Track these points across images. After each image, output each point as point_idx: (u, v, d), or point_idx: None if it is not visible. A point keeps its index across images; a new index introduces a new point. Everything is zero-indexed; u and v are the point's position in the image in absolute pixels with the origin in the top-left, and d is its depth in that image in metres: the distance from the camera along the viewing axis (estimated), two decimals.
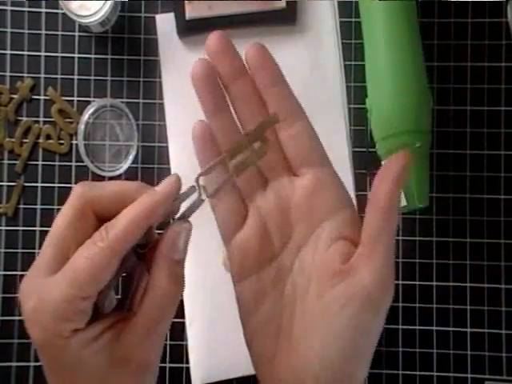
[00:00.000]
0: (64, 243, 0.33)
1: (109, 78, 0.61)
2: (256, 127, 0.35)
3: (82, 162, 0.60)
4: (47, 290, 0.32)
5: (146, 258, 0.34)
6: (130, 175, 0.60)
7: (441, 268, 0.60)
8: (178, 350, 0.59)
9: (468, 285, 0.60)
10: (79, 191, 0.34)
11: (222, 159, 0.35)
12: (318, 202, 0.35)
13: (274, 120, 0.35)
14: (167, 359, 0.59)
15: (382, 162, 0.57)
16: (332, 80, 0.61)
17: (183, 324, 0.59)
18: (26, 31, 0.61)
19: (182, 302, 0.59)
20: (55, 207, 0.60)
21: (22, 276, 0.60)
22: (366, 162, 0.60)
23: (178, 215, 0.35)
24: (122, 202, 0.33)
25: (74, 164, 0.60)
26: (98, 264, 0.32)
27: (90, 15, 0.56)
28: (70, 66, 0.61)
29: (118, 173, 0.60)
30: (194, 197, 0.35)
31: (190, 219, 0.35)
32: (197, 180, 0.34)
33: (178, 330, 0.59)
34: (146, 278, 0.35)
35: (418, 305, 0.60)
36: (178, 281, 0.34)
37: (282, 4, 0.59)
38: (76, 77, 0.61)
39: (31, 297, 0.32)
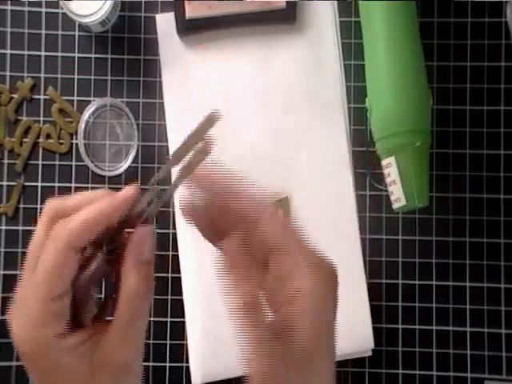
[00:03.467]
0: (37, 252, 0.35)
1: (109, 78, 0.61)
2: (196, 128, 0.36)
3: (82, 161, 0.60)
4: (26, 292, 0.35)
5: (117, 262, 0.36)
6: (129, 175, 0.60)
7: (440, 267, 0.60)
8: (178, 350, 0.59)
9: (467, 284, 0.60)
10: (47, 207, 0.36)
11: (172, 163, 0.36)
12: None
13: (214, 119, 0.36)
14: (167, 359, 0.59)
15: (382, 162, 0.57)
16: (332, 80, 0.61)
17: (183, 324, 0.59)
18: (26, 31, 0.61)
19: (182, 301, 0.59)
20: None
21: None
22: (365, 162, 0.60)
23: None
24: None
25: (74, 163, 0.60)
26: (58, 258, 0.34)
27: (90, 15, 0.56)
28: (70, 65, 0.61)
29: (117, 172, 0.60)
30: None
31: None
32: (153, 184, 0.36)
33: (178, 330, 0.59)
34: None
35: (417, 304, 0.60)
36: (147, 280, 0.36)
37: (282, 4, 0.59)
38: (76, 76, 0.61)
39: (15, 302, 0.36)
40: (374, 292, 0.59)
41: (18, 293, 0.36)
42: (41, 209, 0.60)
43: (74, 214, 0.35)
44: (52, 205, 0.36)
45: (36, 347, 0.34)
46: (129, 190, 0.35)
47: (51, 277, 0.34)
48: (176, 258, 0.59)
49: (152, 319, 0.59)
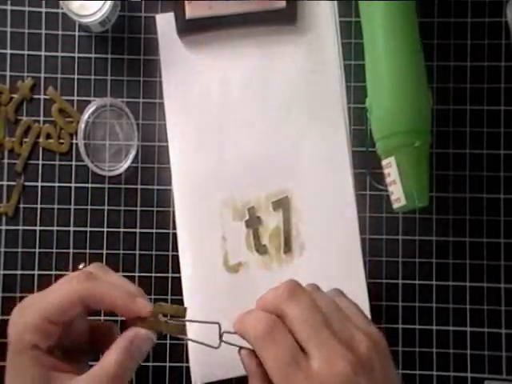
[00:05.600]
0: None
1: (109, 78, 0.61)
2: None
3: (82, 161, 0.60)
4: (35, 299, 0.41)
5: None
6: (129, 175, 0.60)
7: (440, 267, 0.60)
8: (177, 350, 0.59)
9: (468, 284, 0.60)
10: (85, 285, 0.42)
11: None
12: None
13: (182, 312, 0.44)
14: (167, 359, 0.59)
15: (382, 162, 0.57)
16: (332, 80, 0.61)
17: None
18: (26, 31, 0.61)
19: (182, 301, 0.59)
20: (55, 207, 0.60)
21: (22, 275, 0.60)
22: (365, 162, 0.60)
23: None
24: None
25: (74, 163, 0.60)
26: (73, 296, 0.41)
27: (90, 15, 0.56)
28: (70, 65, 0.61)
29: (117, 172, 0.60)
30: None
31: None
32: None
33: None
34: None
35: (417, 304, 0.60)
36: (124, 368, 0.41)
37: (282, 4, 0.59)
38: (76, 76, 0.61)
39: (23, 304, 0.42)
40: (373, 292, 0.59)
41: (31, 297, 0.42)
42: (41, 208, 0.60)
43: (101, 281, 0.42)
44: (87, 286, 0.41)
45: (16, 343, 0.40)
46: (144, 309, 0.42)
47: (54, 307, 0.40)
48: (176, 258, 0.60)
49: None
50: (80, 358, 0.44)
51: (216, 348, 0.42)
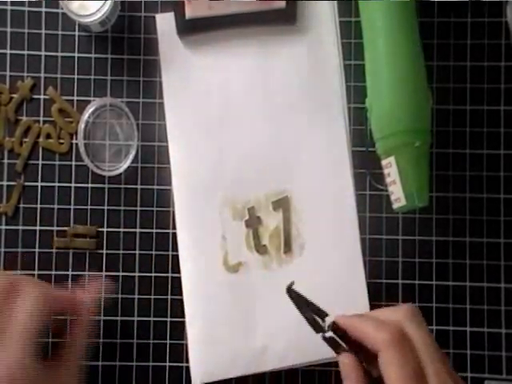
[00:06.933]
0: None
1: (109, 78, 0.61)
2: None
3: (82, 161, 0.60)
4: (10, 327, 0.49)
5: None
6: (129, 174, 0.60)
7: (440, 267, 0.60)
8: (177, 350, 0.59)
9: (468, 284, 0.60)
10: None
11: None
12: None
13: None
14: (167, 358, 0.59)
15: (382, 162, 0.57)
16: (332, 80, 0.61)
17: (183, 323, 0.59)
18: (26, 31, 0.61)
19: (182, 301, 0.59)
20: (55, 207, 0.60)
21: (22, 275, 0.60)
22: (365, 162, 0.60)
23: None
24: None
25: (73, 163, 0.60)
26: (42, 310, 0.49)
27: (90, 15, 0.56)
28: (70, 65, 0.61)
29: (117, 172, 0.60)
30: None
31: None
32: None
33: (178, 330, 0.59)
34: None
35: (417, 304, 0.60)
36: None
37: (282, 4, 0.59)
38: (76, 76, 0.61)
39: None
40: (373, 292, 0.59)
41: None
42: (41, 209, 0.60)
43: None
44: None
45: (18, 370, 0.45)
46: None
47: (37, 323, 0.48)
48: (176, 257, 0.60)
49: (152, 319, 0.59)
50: None
51: (323, 334, 0.45)
